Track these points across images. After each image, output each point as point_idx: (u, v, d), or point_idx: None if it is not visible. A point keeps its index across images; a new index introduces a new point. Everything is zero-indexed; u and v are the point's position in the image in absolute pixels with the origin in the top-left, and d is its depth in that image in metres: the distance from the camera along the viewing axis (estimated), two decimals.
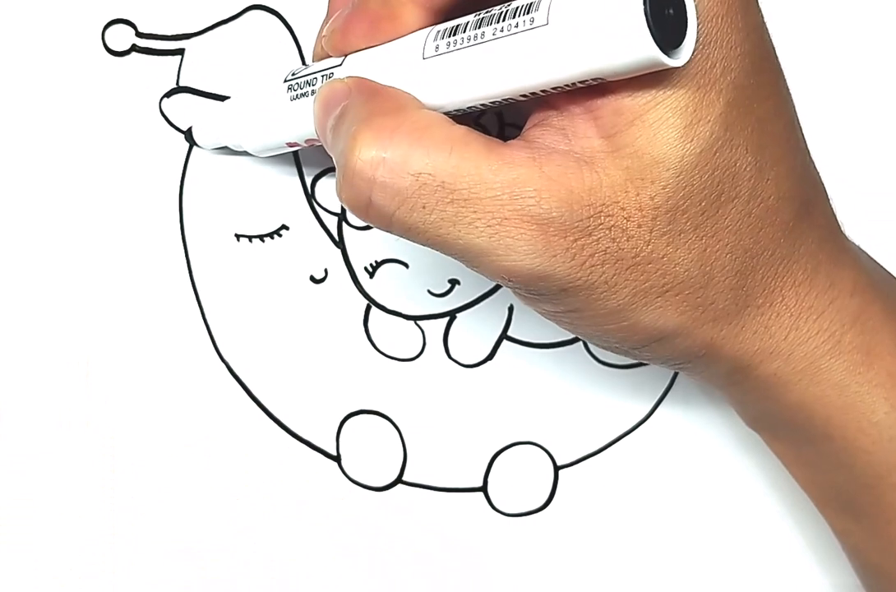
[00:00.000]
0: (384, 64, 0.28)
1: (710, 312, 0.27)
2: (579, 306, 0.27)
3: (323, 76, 0.29)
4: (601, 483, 0.38)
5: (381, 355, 0.37)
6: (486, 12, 0.25)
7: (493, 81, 0.25)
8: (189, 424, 0.36)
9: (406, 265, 0.37)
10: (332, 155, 0.27)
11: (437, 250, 0.26)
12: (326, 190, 0.37)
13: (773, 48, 0.27)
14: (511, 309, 0.38)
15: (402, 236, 0.26)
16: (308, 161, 0.37)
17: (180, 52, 0.36)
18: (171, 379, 0.36)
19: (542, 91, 0.25)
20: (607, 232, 0.25)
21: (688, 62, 0.23)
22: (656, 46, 0.22)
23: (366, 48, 0.28)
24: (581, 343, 0.38)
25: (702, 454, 0.38)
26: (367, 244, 0.37)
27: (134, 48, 0.36)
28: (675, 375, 0.38)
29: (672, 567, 0.38)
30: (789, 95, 0.28)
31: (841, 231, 0.30)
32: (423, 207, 0.25)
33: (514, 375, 0.38)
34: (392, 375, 0.37)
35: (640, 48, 0.22)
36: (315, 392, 0.37)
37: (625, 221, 0.25)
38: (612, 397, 0.38)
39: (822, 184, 0.30)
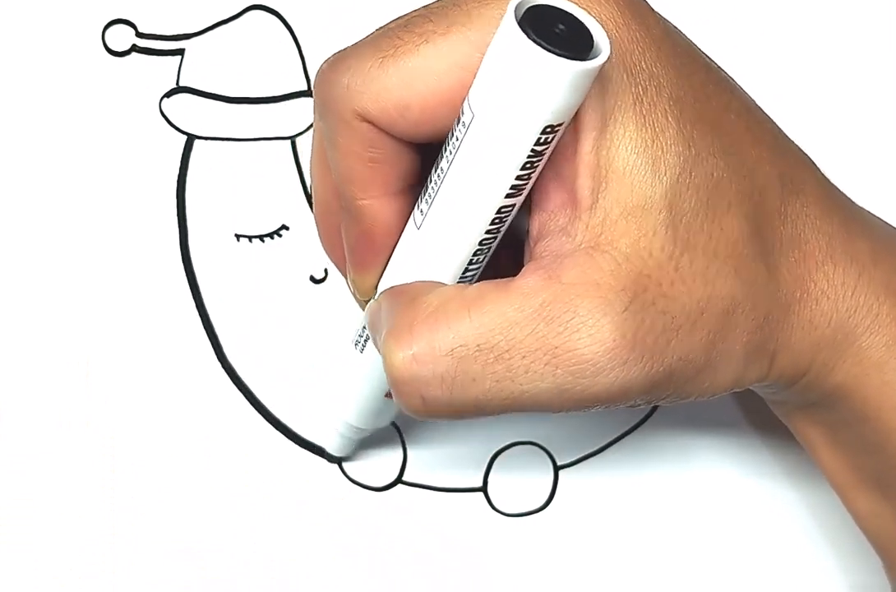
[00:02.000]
0: (399, 263, 0.28)
1: (766, 328, 0.27)
2: (668, 394, 0.26)
3: None
4: (601, 483, 0.38)
5: None
6: (438, 156, 0.25)
7: (482, 195, 0.25)
8: (189, 424, 0.36)
9: None
10: None
11: (517, 413, 0.25)
12: None
13: (693, 46, 0.27)
14: None
15: (476, 417, 0.25)
16: (308, 161, 0.37)
17: (180, 52, 0.36)
18: (171, 380, 0.36)
19: (522, 175, 0.24)
20: (653, 307, 0.24)
21: (610, 56, 0.22)
22: (563, 58, 0.22)
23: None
24: None
25: (702, 454, 0.38)
26: None
27: (134, 48, 0.36)
28: None
29: (673, 567, 0.38)
30: (730, 82, 0.27)
31: (843, 199, 0.30)
32: (474, 380, 0.24)
33: None
34: None
35: (552, 68, 0.22)
36: (315, 392, 0.37)
37: (658, 286, 0.24)
38: None
39: (803, 153, 0.29)
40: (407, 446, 0.37)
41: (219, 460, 0.36)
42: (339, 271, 0.31)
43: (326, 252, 0.31)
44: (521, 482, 0.37)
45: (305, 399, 0.37)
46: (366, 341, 0.31)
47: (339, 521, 0.37)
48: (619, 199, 0.24)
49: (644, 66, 0.24)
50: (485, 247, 0.26)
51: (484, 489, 0.37)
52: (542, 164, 0.24)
